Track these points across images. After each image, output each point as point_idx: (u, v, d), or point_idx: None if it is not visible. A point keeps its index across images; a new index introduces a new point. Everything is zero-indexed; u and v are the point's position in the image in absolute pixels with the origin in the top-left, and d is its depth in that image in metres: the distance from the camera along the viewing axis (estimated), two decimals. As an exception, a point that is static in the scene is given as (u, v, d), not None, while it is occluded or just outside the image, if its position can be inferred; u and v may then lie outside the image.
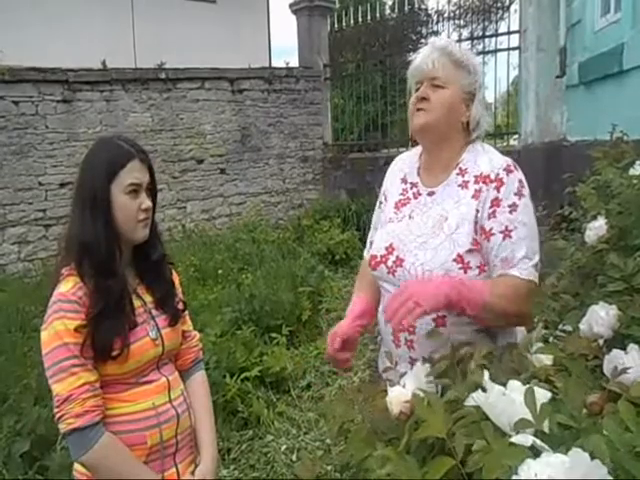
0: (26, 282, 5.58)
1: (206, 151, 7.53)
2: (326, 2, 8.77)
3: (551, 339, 1.12)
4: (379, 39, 9.01)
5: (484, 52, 7.71)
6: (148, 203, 1.43)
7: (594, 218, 1.69)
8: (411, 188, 1.57)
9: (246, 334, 4.05)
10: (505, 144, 7.31)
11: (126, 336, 1.36)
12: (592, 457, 0.57)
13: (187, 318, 1.65)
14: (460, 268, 1.37)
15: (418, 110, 1.46)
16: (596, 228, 1.62)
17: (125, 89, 6.84)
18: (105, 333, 1.33)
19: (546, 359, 0.94)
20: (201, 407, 1.60)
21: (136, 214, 1.40)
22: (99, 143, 1.48)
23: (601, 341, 1.08)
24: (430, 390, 0.94)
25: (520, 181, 1.41)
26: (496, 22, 9.71)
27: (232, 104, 7.76)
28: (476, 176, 1.43)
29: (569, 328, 1.21)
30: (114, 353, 1.34)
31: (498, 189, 1.39)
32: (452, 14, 8.20)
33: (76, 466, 1.41)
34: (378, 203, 1.72)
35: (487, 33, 8.49)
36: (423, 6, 11.43)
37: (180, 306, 1.58)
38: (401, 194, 1.59)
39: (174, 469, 1.47)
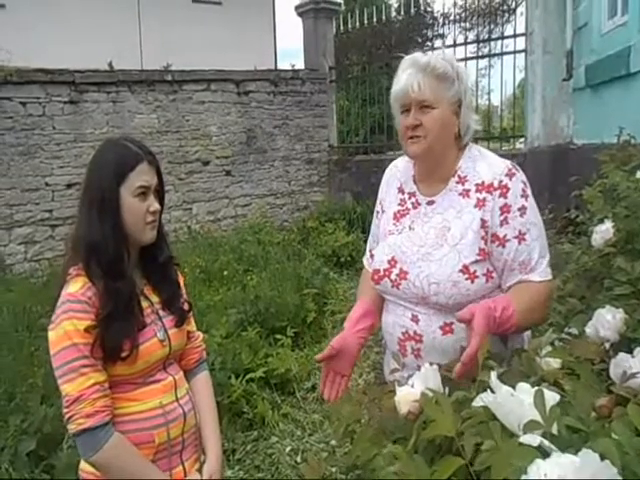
0: (32, 282, 5.60)
1: (212, 153, 7.55)
2: (332, 4, 8.78)
3: (557, 342, 1.12)
4: (385, 41, 9.02)
5: (490, 55, 7.71)
6: (156, 205, 1.43)
7: (601, 221, 1.69)
8: (409, 198, 1.55)
9: (251, 335, 4.05)
10: (511, 147, 7.31)
11: (135, 337, 1.37)
12: (602, 459, 0.57)
13: (191, 319, 1.66)
14: (467, 278, 1.36)
15: (411, 138, 1.43)
16: (603, 231, 1.62)
17: (131, 90, 6.87)
18: (115, 334, 1.33)
19: (555, 363, 0.94)
20: (205, 407, 1.61)
21: (144, 216, 1.41)
22: (107, 144, 1.48)
23: (607, 345, 1.08)
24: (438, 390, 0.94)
25: (523, 182, 1.41)
26: (502, 25, 9.71)
27: (238, 106, 7.78)
28: (477, 184, 1.42)
29: (575, 331, 1.21)
30: (123, 354, 1.34)
31: (505, 195, 1.38)
32: (458, 17, 8.21)
33: (82, 466, 1.42)
34: (375, 213, 1.70)
35: (493, 36, 8.48)
36: (429, 9, 11.45)
37: (186, 307, 1.58)
38: (399, 204, 1.56)
39: (181, 467, 1.48)
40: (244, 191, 7.88)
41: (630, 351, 0.93)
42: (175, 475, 1.46)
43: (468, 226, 1.39)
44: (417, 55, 1.44)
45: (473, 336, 1.10)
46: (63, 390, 1.30)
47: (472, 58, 7.65)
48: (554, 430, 0.69)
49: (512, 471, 0.63)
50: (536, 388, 0.73)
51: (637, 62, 3.88)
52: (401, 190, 1.58)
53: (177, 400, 1.48)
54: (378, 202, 1.68)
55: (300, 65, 8.95)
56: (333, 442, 3.19)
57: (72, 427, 1.28)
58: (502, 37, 7.61)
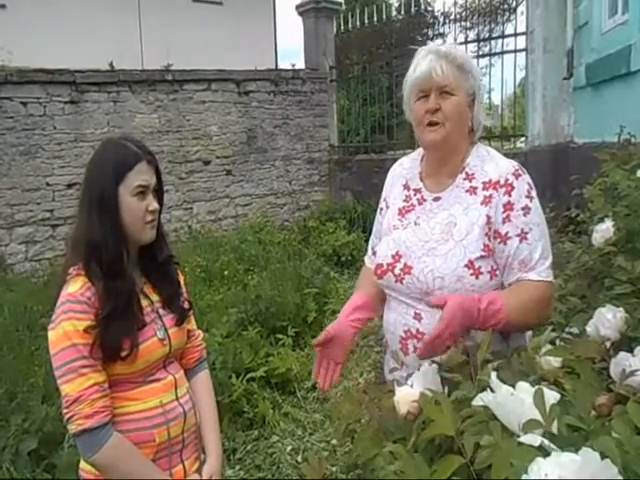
0: (33, 282, 5.61)
1: (212, 152, 7.56)
2: (332, 4, 8.78)
3: (558, 341, 1.12)
4: (385, 41, 9.02)
5: (491, 54, 7.70)
6: (155, 205, 1.43)
7: (601, 220, 1.70)
8: (415, 194, 1.55)
9: (252, 335, 4.05)
10: (512, 146, 7.30)
11: (135, 336, 1.37)
12: (602, 458, 0.57)
13: (192, 318, 1.66)
14: (472, 274, 1.36)
15: (431, 124, 1.43)
16: (603, 230, 1.62)
17: (132, 90, 6.88)
18: (114, 334, 1.33)
19: (555, 361, 0.94)
20: (205, 406, 1.61)
21: (143, 215, 1.41)
22: (106, 144, 1.49)
23: (608, 343, 1.08)
24: (437, 390, 0.94)
25: (528, 184, 1.41)
26: (503, 24, 9.69)
27: (238, 106, 7.78)
28: (484, 182, 1.42)
29: (576, 330, 1.21)
30: (123, 353, 1.34)
31: (509, 193, 1.38)
32: (458, 16, 8.21)
33: (82, 465, 1.42)
34: (379, 210, 1.70)
35: (494, 35, 8.47)
36: (429, 8, 11.45)
37: (186, 305, 1.58)
38: (404, 201, 1.56)
39: (181, 466, 1.48)
40: (245, 191, 7.89)
41: (631, 350, 0.94)
42: (175, 474, 1.46)
43: (474, 222, 1.39)
44: (436, 44, 1.47)
45: (438, 322, 1.15)
46: (63, 390, 1.30)
47: (473, 57, 7.64)
48: (554, 429, 0.69)
49: (512, 470, 0.63)
50: (536, 387, 0.73)
51: (637, 61, 3.88)
52: (406, 187, 1.58)
53: (177, 399, 1.48)
54: (382, 199, 1.68)
55: (301, 65, 8.96)
56: (334, 441, 3.19)
57: (72, 427, 1.29)
58: (503, 36, 7.61)
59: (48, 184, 6.28)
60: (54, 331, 1.32)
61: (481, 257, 1.37)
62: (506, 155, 1.51)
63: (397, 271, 1.46)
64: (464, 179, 1.45)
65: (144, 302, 1.45)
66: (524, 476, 0.59)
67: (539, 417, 0.69)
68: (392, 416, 0.94)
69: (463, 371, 0.96)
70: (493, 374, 0.81)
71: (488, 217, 1.38)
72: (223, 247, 6.36)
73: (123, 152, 1.41)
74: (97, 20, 10.15)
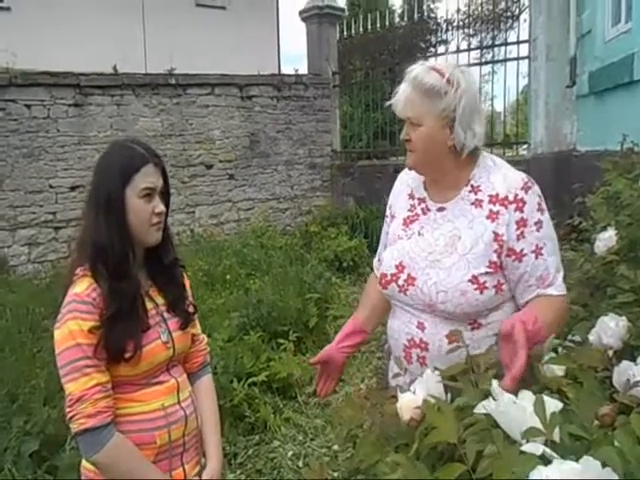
0: (35, 283, 5.61)
1: (215, 157, 7.57)
2: (336, 10, 8.81)
3: (560, 350, 1.12)
4: (388, 47, 9.04)
5: (494, 61, 7.72)
6: (162, 207, 1.44)
7: (604, 229, 1.70)
8: (419, 204, 1.54)
9: (253, 339, 4.06)
10: (514, 154, 7.30)
11: (139, 339, 1.37)
12: (603, 467, 0.58)
13: (196, 322, 1.66)
14: (476, 289, 1.35)
15: (408, 150, 1.46)
16: (606, 239, 1.62)
17: (135, 94, 6.90)
18: (118, 335, 1.34)
19: (558, 370, 0.95)
20: (207, 410, 1.61)
21: (150, 218, 1.41)
22: (114, 146, 1.50)
23: (610, 352, 1.08)
24: (440, 397, 0.95)
25: (539, 195, 1.39)
26: (505, 31, 9.72)
27: (241, 110, 7.80)
28: (491, 196, 1.39)
29: (578, 339, 1.21)
30: (127, 355, 1.35)
31: (521, 209, 1.36)
32: (461, 23, 8.22)
33: (84, 464, 1.42)
34: (385, 218, 1.70)
35: (496, 42, 8.50)
36: (432, 14, 11.48)
37: (191, 309, 1.59)
38: (409, 210, 1.56)
39: (181, 469, 1.48)
40: (247, 195, 7.90)
41: (633, 359, 0.94)
42: (175, 477, 1.46)
43: (479, 237, 1.37)
44: (413, 67, 1.42)
45: (519, 348, 1.03)
46: (66, 389, 1.31)
47: (475, 64, 7.66)
48: (556, 438, 0.69)
49: (514, 479, 0.63)
50: (537, 395, 0.74)
51: (641, 70, 3.89)
52: (411, 196, 1.58)
53: (179, 402, 1.48)
54: (388, 208, 1.68)
55: (303, 70, 8.99)
56: (335, 447, 3.19)
57: (74, 426, 1.29)
58: (505, 43, 7.65)
59: (51, 186, 6.30)
60: (59, 330, 1.33)
61: (486, 273, 1.36)
62: (509, 163, 1.49)
63: (401, 282, 1.46)
64: (469, 191, 1.43)
65: (149, 305, 1.46)
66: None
67: (541, 426, 0.70)
68: (394, 422, 0.94)
69: (465, 379, 0.96)
70: (495, 382, 0.81)
71: (496, 234, 1.36)
72: (225, 251, 6.36)
73: (130, 154, 1.42)
74: (101, 23, 10.19)
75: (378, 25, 8.49)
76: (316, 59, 8.72)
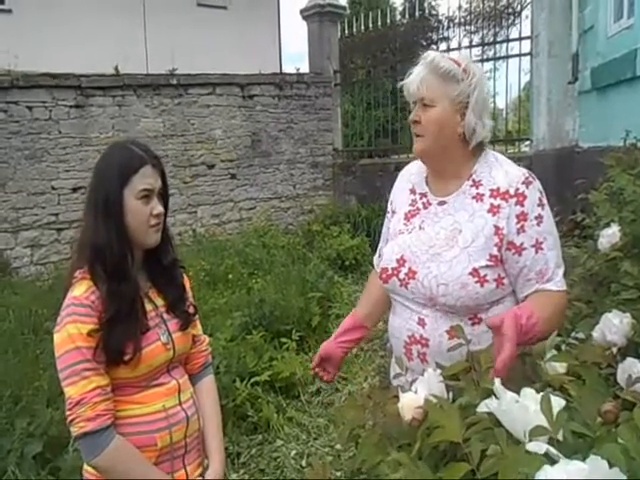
0: (38, 285, 5.62)
1: (217, 156, 7.57)
2: (337, 8, 8.80)
3: (563, 347, 1.11)
4: (389, 45, 9.03)
5: (495, 58, 7.71)
6: (160, 209, 1.43)
7: (607, 225, 1.69)
8: (420, 198, 1.55)
9: (256, 339, 4.05)
10: (516, 150, 7.29)
11: (138, 340, 1.37)
12: (609, 465, 0.57)
13: (197, 322, 1.66)
14: (476, 282, 1.35)
15: (416, 136, 1.46)
16: (609, 235, 1.61)
17: (137, 94, 6.90)
18: (117, 337, 1.33)
19: (560, 367, 0.94)
20: (209, 411, 1.60)
21: (148, 219, 1.41)
22: (112, 147, 1.49)
23: (614, 349, 1.07)
24: (442, 396, 0.94)
25: (540, 191, 1.40)
26: (507, 28, 9.69)
27: (243, 110, 7.80)
28: (492, 190, 1.40)
29: (582, 336, 1.20)
30: (126, 357, 1.34)
31: (522, 204, 1.36)
32: (463, 20, 8.22)
33: (86, 466, 1.42)
34: (387, 214, 1.70)
35: (498, 39, 8.48)
36: (434, 12, 11.45)
37: (191, 310, 1.58)
38: (410, 205, 1.56)
39: (183, 471, 1.48)
40: (249, 194, 7.90)
41: (637, 356, 0.93)
42: (177, 478, 1.46)
43: (480, 230, 1.38)
44: (430, 52, 1.46)
45: (506, 341, 1.04)
46: (66, 393, 1.31)
47: (477, 61, 7.64)
48: (560, 436, 0.69)
49: (520, 478, 0.62)
50: (541, 394, 0.73)
51: (643, 65, 3.87)
52: (413, 191, 1.58)
53: (180, 404, 1.48)
54: (389, 204, 1.69)
55: (305, 69, 8.97)
56: (338, 446, 3.18)
57: (74, 430, 1.29)
58: (507, 40, 7.62)
59: (53, 188, 6.30)
60: (59, 334, 1.33)
61: (487, 266, 1.36)
62: (511, 159, 1.50)
63: (402, 276, 1.46)
64: (471, 186, 1.44)
65: (148, 306, 1.45)
66: (530, 481, 0.58)
67: (545, 424, 0.69)
68: (396, 422, 0.94)
69: (467, 377, 0.95)
70: (497, 381, 0.81)
71: (497, 228, 1.36)
72: (227, 251, 6.36)
73: (128, 156, 1.41)
74: (102, 24, 10.19)
75: (379, 23, 8.49)
76: (317, 58, 8.72)
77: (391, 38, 8.91)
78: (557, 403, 0.72)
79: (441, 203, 1.48)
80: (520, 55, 6.81)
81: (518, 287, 1.39)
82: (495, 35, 8.92)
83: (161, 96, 7.07)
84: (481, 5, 8.53)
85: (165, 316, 1.49)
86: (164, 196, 1.48)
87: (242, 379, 3.54)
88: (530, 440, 0.67)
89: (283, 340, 4.22)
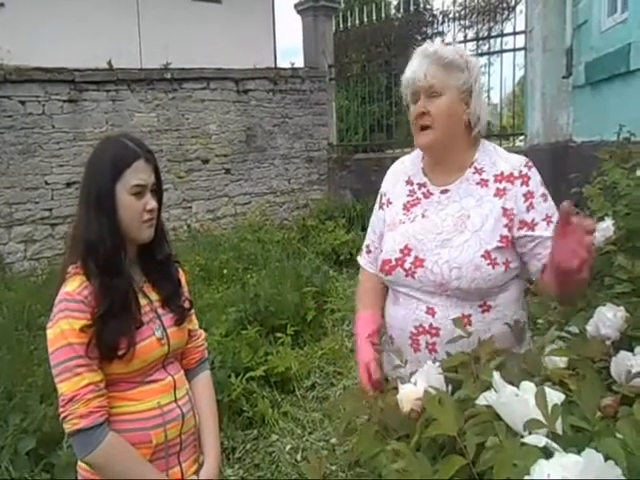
0: (32, 281, 5.60)
1: (211, 151, 7.55)
2: (331, 2, 8.77)
3: (556, 341, 1.12)
4: (384, 39, 9.00)
5: (490, 52, 7.69)
6: (153, 204, 1.42)
7: (601, 219, 1.69)
8: (419, 188, 1.55)
9: (251, 334, 4.05)
10: (511, 145, 7.29)
11: (132, 336, 1.36)
12: (607, 460, 0.57)
13: (193, 317, 1.65)
14: (488, 264, 1.37)
15: (422, 128, 1.46)
16: (603, 229, 1.61)
17: (131, 89, 6.86)
18: (111, 333, 1.32)
19: (560, 361, 0.94)
20: (206, 407, 1.60)
21: (141, 214, 1.39)
22: (105, 142, 1.48)
23: (608, 343, 1.07)
24: (441, 388, 0.94)
25: (539, 174, 1.46)
26: (501, 22, 9.67)
27: (237, 104, 7.77)
28: (496, 175, 1.45)
29: (575, 330, 1.20)
30: (120, 352, 1.33)
31: (527, 184, 1.42)
32: (457, 14, 8.19)
33: (80, 463, 1.41)
34: (378, 206, 1.69)
35: (492, 33, 8.46)
36: (428, 6, 11.44)
37: (187, 305, 1.57)
38: (409, 195, 1.56)
39: (178, 467, 1.47)
40: (244, 189, 7.88)
41: (631, 349, 0.93)
42: (172, 476, 1.45)
43: (488, 214, 1.41)
44: (427, 45, 1.47)
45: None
46: (59, 389, 1.30)
47: (471, 56, 7.63)
48: (559, 430, 0.69)
49: (515, 471, 0.62)
50: (539, 387, 0.73)
51: (637, 59, 3.88)
52: (409, 182, 1.59)
53: (176, 401, 1.47)
54: (382, 195, 1.68)
55: (300, 63, 8.95)
56: (333, 440, 3.19)
57: (67, 427, 1.28)
58: (501, 35, 7.61)
59: (47, 183, 6.27)
60: (51, 330, 1.32)
61: (497, 248, 1.39)
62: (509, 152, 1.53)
63: (407, 265, 1.46)
64: (473, 173, 1.47)
65: (143, 301, 1.44)
66: (526, 477, 0.58)
67: (542, 417, 0.69)
68: (395, 414, 0.94)
69: (466, 370, 0.95)
70: (496, 374, 0.81)
71: (505, 209, 1.40)
72: (222, 246, 6.35)
73: (121, 150, 1.40)
74: (96, 18, 10.12)
75: (374, 17, 8.46)
76: (312, 52, 8.69)
77: (386, 32, 8.87)
78: (557, 397, 0.73)
79: (444, 192, 1.50)
80: (514, 50, 6.82)
81: (532, 264, 1.41)
82: (489, 30, 8.90)
83: (155, 91, 7.04)
84: (475, 0, 8.50)
85: (160, 311, 1.48)
86: (158, 191, 1.46)
87: (237, 374, 3.54)
88: (528, 433, 0.67)
89: (278, 335, 4.23)
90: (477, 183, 1.46)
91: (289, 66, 8.86)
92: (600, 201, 2.03)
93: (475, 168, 1.48)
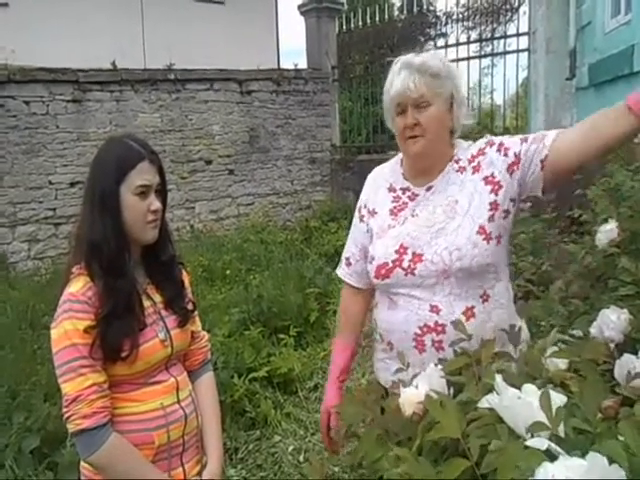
0: (36, 280, 5.62)
1: (214, 152, 7.56)
2: (334, 3, 8.78)
3: (559, 344, 1.12)
4: (387, 41, 9.00)
5: (493, 54, 7.69)
6: (157, 204, 1.42)
7: (605, 221, 1.69)
8: (403, 193, 1.57)
9: (254, 335, 4.05)
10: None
11: (135, 337, 1.36)
12: (609, 461, 0.57)
13: (196, 318, 1.65)
14: (484, 239, 1.41)
15: (411, 137, 1.47)
16: (607, 231, 1.61)
17: (134, 89, 6.88)
18: (114, 334, 1.32)
19: (561, 363, 0.94)
20: (208, 408, 1.60)
21: (145, 215, 1.39)
22: (110, 142, 1.48)
23: (612, 345, 1.07)
24: (443, 391, 0.94)
25: None
26: (505, 24, 9.67)
27: (240, 105, 7.78)
28: (469, 159, 1.51)
29: (579, 333, 1.20)
30: (123, 354, 1.33)
31: (493, 143, 1.49)
32: (461, 16, 8.19)
33: (83, 463, 1.41)
34: (358, 217, 1.68)
35: (496, 35, 8.46)
36: (432, 7, 11.42)
37: (190, 306, 1.57)
38: (394, 201, 1.57)
39: (181, 468, 1.47)
40: (247, 190, 7.89)
41: (635, 352, 0.93)
42: (175, 477, 1.45)
43: (473, 192, 1.46)
44: (409, 57, 1.49)
45: None
46: (63, 389, 1.30)
47: (475, 57, 7.65)
48: (561, 432, 0.69)
49: (519, 474, 0.62)
50: (542, 390, 0.73)
51: (641, 61, 3.87)
52: (392, 189, 1.60)
53: (179, 402, 1.47)
54: (361, 207, 1.68)
55: (303, 64, 8.96)
56: (336, 441, 3.19)
57: (70, 427, 1.28)
58: (505, 36, 7.61)
59: (51, 182, 6.29)
60: (55, 330, 1.32)
61: (489, 218, 1.42)
62: None
63: (406, 263, 1.46)
64: (452, 165, 1.53)
65: (146, 303, 1.44)
66: (530, 479, 0.58)
67: (546, 420, 0.69)
68: (397, 417, 0.94)
69: (468, 373, 0.95)
70: (498, 377, 0.81)
71: (485, 178, 1.46)
72: (225, 247, 6.36)
73: (125, 151, 1.40)
74: (100, 19, 10.15)
75: (377, 19, 8.47)
76: (315, 53, 8.70)
77: (389, 34, 8.89)
78: (559, 399, 0.73)
79: (428, 189, 1.53)
80: (518, 51, 6.81)
81: (535, 158, 1.42)
82: (493, 31, 8.90)
83: (159, 91, 7.05)
84: (479, 1, 8.50)
85: (163, 312, 1.48)
86: (162, 192, 1.46)
87: (240, 375, 3.54)
88: (531, 436, 0.68)
89: (281, 336, 4.23)
90: (456, 171, 1.51)
91: (292, 67, 8.87)
92: (604, 203, 2.02)
93: (454, 161, 1.53)
